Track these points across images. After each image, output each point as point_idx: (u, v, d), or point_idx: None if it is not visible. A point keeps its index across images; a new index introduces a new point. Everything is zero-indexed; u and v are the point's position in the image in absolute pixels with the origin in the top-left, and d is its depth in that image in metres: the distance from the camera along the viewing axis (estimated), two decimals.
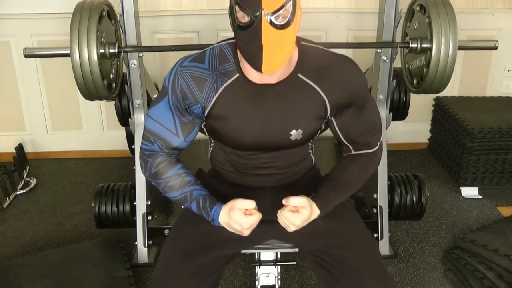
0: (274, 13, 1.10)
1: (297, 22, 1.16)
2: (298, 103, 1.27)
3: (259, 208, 1.31)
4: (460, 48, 1.88)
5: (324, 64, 1.28)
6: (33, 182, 2.94)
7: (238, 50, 1.23)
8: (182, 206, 1.38)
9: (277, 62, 1.12)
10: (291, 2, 1.12)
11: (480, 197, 2.73)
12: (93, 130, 3.24)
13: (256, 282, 1.70)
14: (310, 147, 1.52)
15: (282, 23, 1.11)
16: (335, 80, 1.27)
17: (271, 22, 1.11)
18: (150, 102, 2.28)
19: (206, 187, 1.39)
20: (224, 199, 1.34)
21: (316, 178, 1.54)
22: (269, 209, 1.33)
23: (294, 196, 1.28)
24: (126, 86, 2.12)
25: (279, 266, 1.70)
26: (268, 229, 1.38)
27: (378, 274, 1.35)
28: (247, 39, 1.13)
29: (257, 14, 1.10)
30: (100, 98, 1.96)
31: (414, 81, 2.09)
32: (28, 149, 3.21)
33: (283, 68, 1.22)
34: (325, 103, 1.29)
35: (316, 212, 1.31)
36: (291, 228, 1.29)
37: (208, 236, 1.36)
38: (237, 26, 1.15)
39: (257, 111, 1.27)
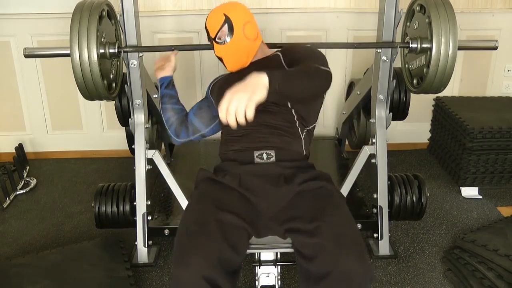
0: (215, 36, 1.80)
1: (241, 36, 1.76)
2: (267, 65, 1.75)
3: (257, 209, 1.56)
4: (460, 48, 1.88)
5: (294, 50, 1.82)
6: (33, 182, 2.94)
7: None
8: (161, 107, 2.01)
9: (233, 64, 1.83)
10: (226, 26, 1.76)
11: (480, 197, 2.73)
12: (93, 130, 3.24)
13: (256, 282, 1.70)
14: (297, 126, 1.76)
15: (221, 41, 1.79)
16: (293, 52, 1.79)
17: (216, 41, 1.81)
18: (150, 102, 2.29)
19: (207, 180, 1.67)
20: (226, 188, 1.61)
21: (312, 173, 1.69)
22: (268, 213, 1.56)
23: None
24: (126, 86, 2.12)
25: (279, 266, 1.70)
26: (267, 229, 1.55)
27: (353, 252, 1.37)
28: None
29: (211, 38, 1.84)
30: (100, 98, 1.96)
31: (414, 81, 2.09)
32: (28, 149, 3.21)
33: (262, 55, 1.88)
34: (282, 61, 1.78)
35: (259, 75, 1.40)
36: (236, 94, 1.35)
37: (221, 208, 1.51)
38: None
39: (241, 75, 1.67)
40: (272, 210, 1.57)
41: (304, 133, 1.79)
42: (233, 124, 1.33)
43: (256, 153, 1.68)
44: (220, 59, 1.84)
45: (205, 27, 1.86)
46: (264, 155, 1.68)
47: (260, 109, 1.62)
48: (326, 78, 1.59)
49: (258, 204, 1.58)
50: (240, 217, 1.50)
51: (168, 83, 1.99)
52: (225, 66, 1.84)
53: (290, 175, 1.63)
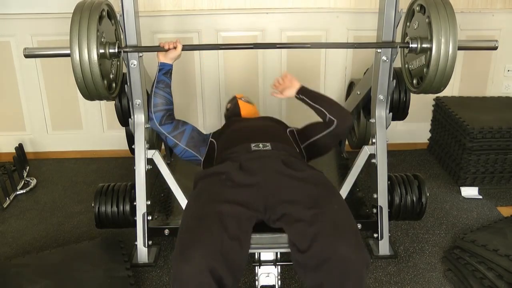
0: (241, 97, 2.32)
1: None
2: (266, 119, 2.24)
3: (257, 190, 1.60)
4: (460, 48, 1.88)
5: None
6: (33, 182, 2.94)
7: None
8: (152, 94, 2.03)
9: (247, 113, 2.29)
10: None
11: (480, 197, 2.73)
12: (93, 130, 3.24)
13: (256, 282, 1.70)
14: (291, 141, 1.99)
15: (245, 100, 2.31)
16: None
17: (241, 100, 2.31)
18: (150, 102, 2.29)
19: (204, 177, 1.72)
20: (223, 180, 1.65)
21: (307, 164, 1.79)
22: (266, 206, 1.59)
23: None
24: (126, 86, 2.12)
25: (279, 266, 1.70)
26: (270, 207, 1.59)
27: (350, 239, 1.41)
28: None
29: (235, 100, 2.32)
30: (100, 98, 1.96)
31: (414, 81, 2.09)
32: (28, 149, 3.21)
33: None
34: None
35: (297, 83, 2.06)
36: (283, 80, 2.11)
37: (219, 200, 1.55)
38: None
39: (246, 124, 2.15)
40: (272, 188, 1.60)
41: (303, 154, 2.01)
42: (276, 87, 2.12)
43: (253, 144, 1.79)
44: (237, 107, 2.28)
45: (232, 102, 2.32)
46: (260, 145, 1.79)
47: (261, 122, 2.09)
48: (347, 114, 1.99)
49: (258, 184, 1.60)
50: (240, 205, 1.53)
51: (167, 71, 2.01)
52: (239, 112, 2.27)
53: (287, 161, 1.70)
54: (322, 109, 1.98)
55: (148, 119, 2.09)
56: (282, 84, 2.11)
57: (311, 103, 2.01)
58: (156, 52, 2.04)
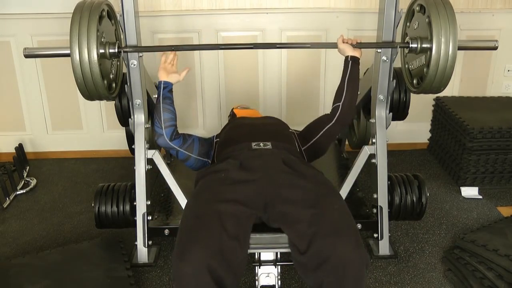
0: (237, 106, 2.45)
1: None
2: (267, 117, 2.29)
3: (258, 189, 1.60)
4: (460, 48, 1.88)
5: None
6: (33, 182, 2.94)
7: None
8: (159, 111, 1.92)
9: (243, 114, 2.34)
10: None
11: (480, 197, 2.73)
12: (93, 130, 3.24)
13: (256, 282, 1.70)
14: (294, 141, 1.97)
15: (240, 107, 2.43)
16: None
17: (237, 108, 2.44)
18: (150, 102, 2.29)
19: (205, 175, 1.74)
20: (223, 178, 1.65)
21: (307, 163, 1.81)
22: (264, 202, 1.59)
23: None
24: (126, 86, 2.12)
25: (279, 266, 1.70)
26: (271, 205, 1.58)
27: (350, 239, 1.42)
28: None
29: (231, 111, 2.39)
30: (100, 98, 1.96)
31: (414, 81, 2.09)
32: (28, 149, 3.21)
33: None
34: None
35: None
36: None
37: (219, 199, 1.55)
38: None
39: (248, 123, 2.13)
40: (271, 185, 1.60)
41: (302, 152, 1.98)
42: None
43: (253, 143, 1.80)
44: (234, 116, 2.31)
45: (230, 113, 2.39)
46: (261, 144, 1.80)
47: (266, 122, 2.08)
48: (351, 115, 2.01)
49: (258, 181, 1.61)
50: (240, 203, 1.53)
51: (170, 89, 1.96)
52: (235, 113, 2.33)
53: (288, 160, 1.71)
54: (344, 91, 1.96)
55: (156, 135, 1.98)
56: (349, 40, 2.03)
57: (346, 75, 1.99)
58: (157, 61, 2.03)
